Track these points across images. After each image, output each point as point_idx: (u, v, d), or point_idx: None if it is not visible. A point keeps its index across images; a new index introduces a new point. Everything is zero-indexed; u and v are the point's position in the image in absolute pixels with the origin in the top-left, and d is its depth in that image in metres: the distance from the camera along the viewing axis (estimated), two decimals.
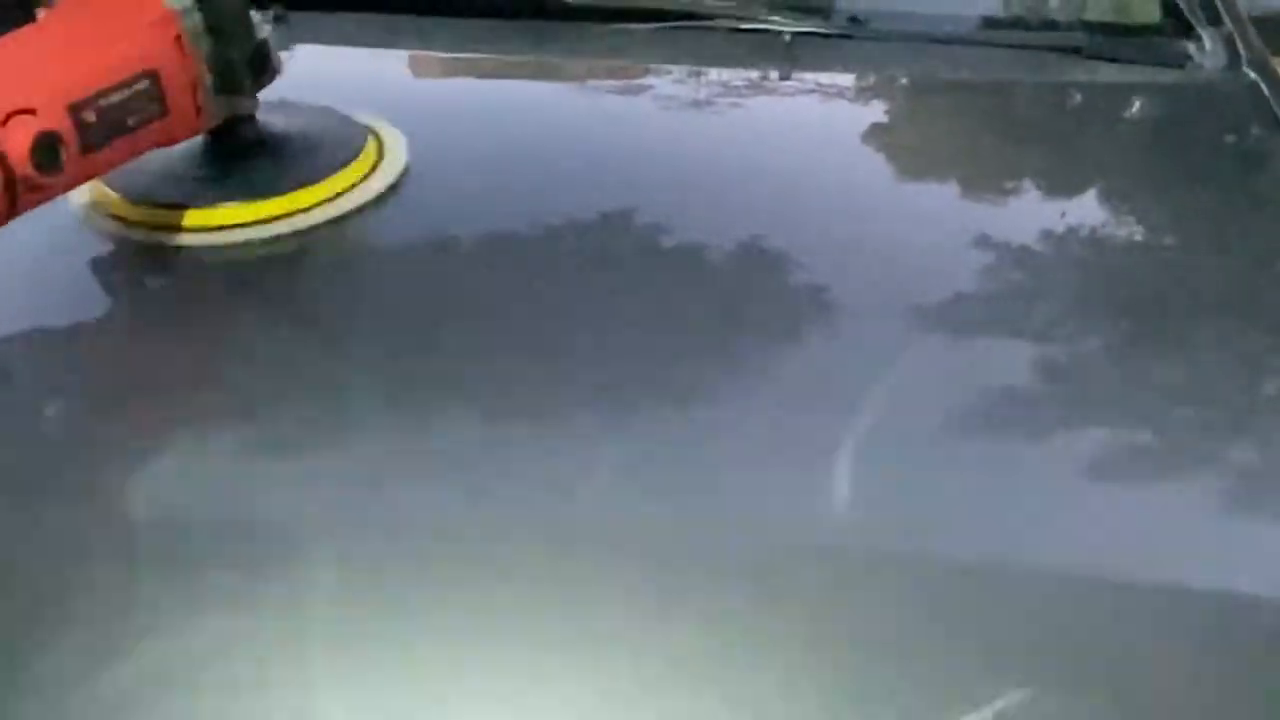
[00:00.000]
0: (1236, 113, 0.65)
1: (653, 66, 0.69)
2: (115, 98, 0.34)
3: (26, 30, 0.35)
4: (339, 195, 0.43)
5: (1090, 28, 0.77)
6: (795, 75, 0.66)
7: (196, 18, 0.36)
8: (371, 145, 0.46)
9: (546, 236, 0.46)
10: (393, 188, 0.44)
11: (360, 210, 0.43)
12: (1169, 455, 0.37)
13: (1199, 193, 0.57)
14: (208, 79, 0.38)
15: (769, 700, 0.24)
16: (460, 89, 0.69)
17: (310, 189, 0.42)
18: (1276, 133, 0.61)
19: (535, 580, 0.26)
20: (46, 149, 0.30)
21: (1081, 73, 0.69)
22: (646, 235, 0.47)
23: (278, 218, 0.41)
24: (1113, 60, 0.69)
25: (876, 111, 0.73)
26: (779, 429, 0.35)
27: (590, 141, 0.58)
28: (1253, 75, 0.66)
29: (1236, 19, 0.73)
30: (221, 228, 0.41)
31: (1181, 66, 0.68)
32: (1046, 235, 0.51)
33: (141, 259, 0.42)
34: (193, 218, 0.41)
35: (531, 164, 0.53)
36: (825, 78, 0.68)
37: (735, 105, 0.65)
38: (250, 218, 0.41)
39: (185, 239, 0.41)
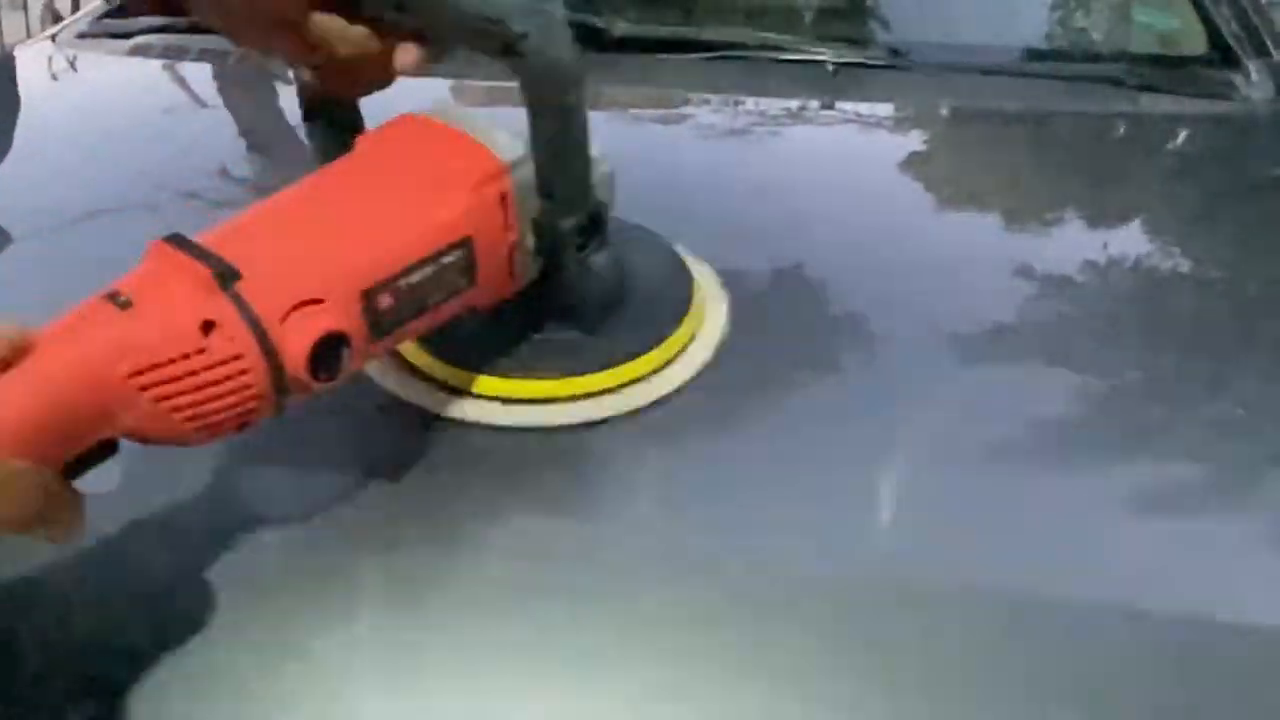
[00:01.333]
0: None
1: (702, 99, 0.68)
2: (417, 276, 0.27)
3: (320, 182, 0.29)
4: (667, 365, 0.34)
5: (1136, 59, 0.78)
6: (839, 105, 0.67)
7: (528, 171, 0.29)
8: (696, 291, 0.38)
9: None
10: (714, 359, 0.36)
11: (696, 380, 0.34)
12: (1212, 490, 0.36)
13: (1246, 225, 0.57)
14: (529, 240, 0.31)
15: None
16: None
17: (634, 363, 0.34)
18: None
19: None
20: (329, 353, 0.25)
21: (1127, 104, 0.69)
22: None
23: (593, 394, 0.33)
24: (1159, 91, 0.68)
25: (916, 143, 0.72)
26: (821, 452, 0.34)
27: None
28: None
29: None
30: (522, 401, 0.33)
31: (1228, 98, 0.68)
32: (1091, 266, 0.51)
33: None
34: (488, 385, 0.33)
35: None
36: (867, 109, 0.68)
37: (778, 136, 0.66)
38: (562, 393, 0.33)
39: (473, 411, 0.33)
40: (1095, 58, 0.81)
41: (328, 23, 0.29)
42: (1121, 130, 0.70)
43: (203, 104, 0.68)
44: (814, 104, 0.67)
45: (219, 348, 0.22)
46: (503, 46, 0.27)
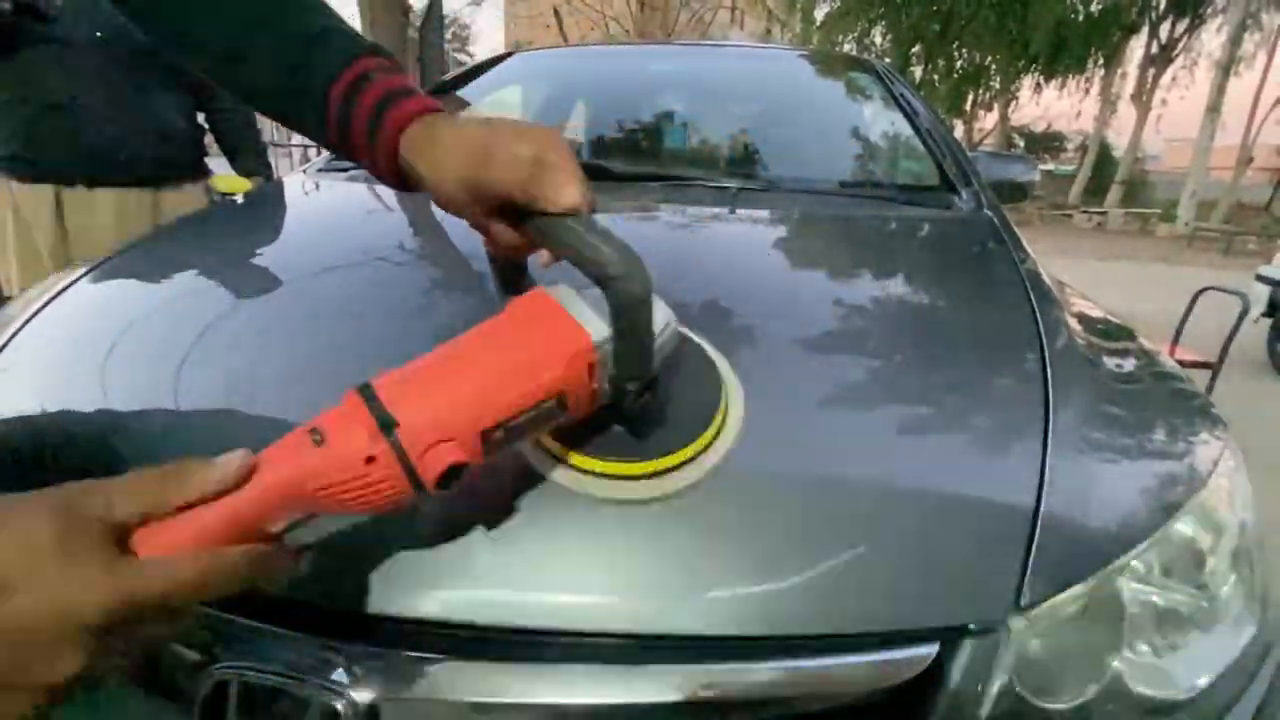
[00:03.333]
0: (979, 235, 0.87)
1: (665, 205, 0.89)
2: (524, 419, 0.34)
3: (466, 341, 0.35)
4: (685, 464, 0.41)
5: (901, 186, 1.11)
6: (738, 210, 0.89)
7: (609, 349, 0.35)
8: (721, 397, 0.44)
9: None
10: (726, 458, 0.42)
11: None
12: (933, 416, 0.50)
13: (958, 278, 0.76)
14: (606, 388, 0.37)
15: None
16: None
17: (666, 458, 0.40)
18: (1002, 246, 0.81)
19: None
20: (453, 475, 0.31)
21: (896, 210, 0.96)
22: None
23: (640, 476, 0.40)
24: (914, 204, 0.98)
25: (781, 230, 0.88)
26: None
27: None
28: (989, 214, 0.94)
29: (980, 183, 1.05)
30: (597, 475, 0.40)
31: (950, 208, 0.97)
32: (873, 300, 0.68)
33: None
34: (581, 461, 0.40)
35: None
36: (754, 212, 0.89)
37: (706, 226, 0.85)
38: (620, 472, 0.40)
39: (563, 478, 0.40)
40: (878, 185, 1.12)
41: (501, 230, 0.43)
42: (893, 225, 0.92)
43: (388, 208, 0.90)
44: (725, 210, 0.89)
45: (377, 474, 0.30)
46: (602, 278, 0.34)
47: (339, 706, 0.35)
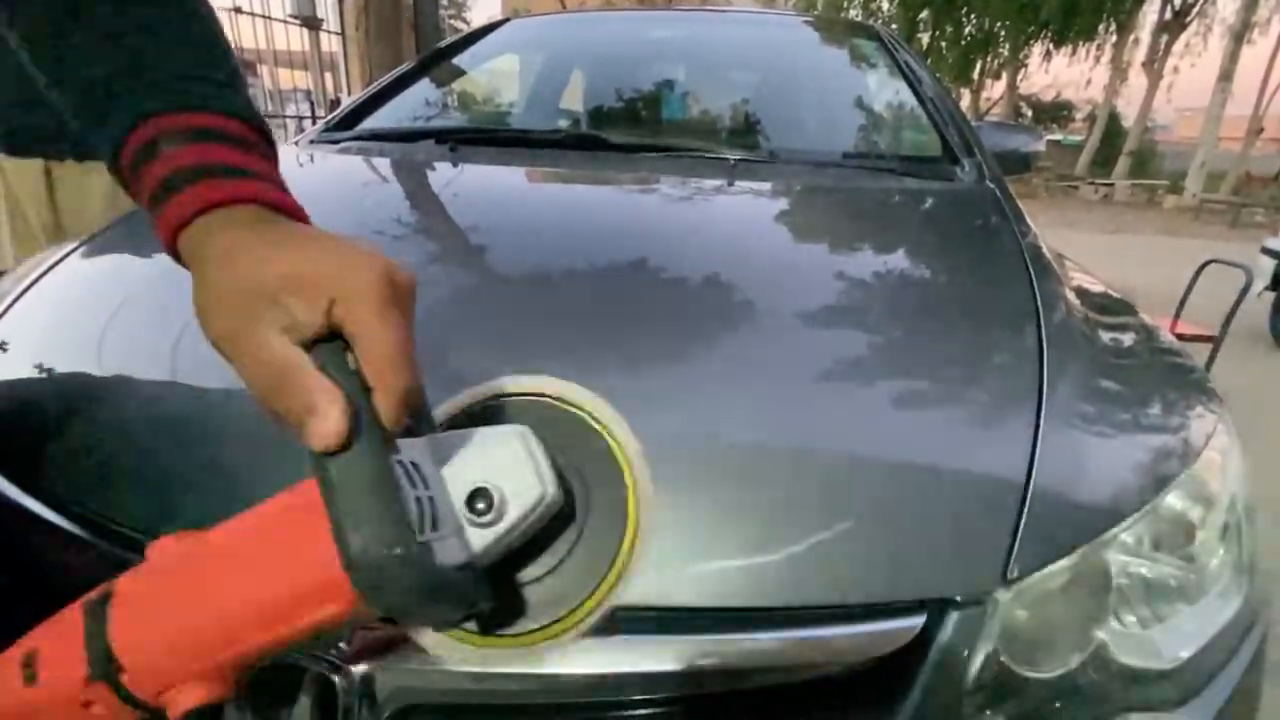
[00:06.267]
0: (981, 207, 0.87)
1: (663, 178, 0.89)
2: (284, 650, 0.27)
3: (210, 564, 0.28)
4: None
5: (904, 158, 1.10)
6: (737, 182, 0.89)
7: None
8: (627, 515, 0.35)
9: None
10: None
11: None
12: (927, 390, 0.50)
13: (957, 252, 0.77)
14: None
15: None
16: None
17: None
18: (1004, 219, 0.81)
19: None
20: (203, 715, 0.26)
21: (899, 182, 0.95)
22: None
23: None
24: (916, 176, 0.97)
25: (779, 203, 0.89)
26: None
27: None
28: (991, 186, 0.94)
29: (984, 153, 1.04)
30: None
31: (952, 179, 0.97)
32: (869, 273, 0.69)
33: None
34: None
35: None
36: (753, 184, 0.90)
37: (704, 199, 0.85)
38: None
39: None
40: (882, 156, 1.11)
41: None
42: (896, 197, 0.92)
43: (384, 179, 0.92)
44: (723, 182, 0.88)
45: (102, 716, 0.26)
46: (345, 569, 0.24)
47: (335, 679, 0.35)
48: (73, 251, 0.73)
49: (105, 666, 0.25)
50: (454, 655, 0.33)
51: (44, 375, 0.53)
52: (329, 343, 0.27)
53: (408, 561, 0.24)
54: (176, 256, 0.32)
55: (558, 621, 0.32)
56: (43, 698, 0.25)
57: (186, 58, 0.34)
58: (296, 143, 1.15)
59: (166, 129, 0.31)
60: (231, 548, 0.28)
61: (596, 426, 0.35)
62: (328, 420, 0.25)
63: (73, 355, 0.55)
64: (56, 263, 0.70)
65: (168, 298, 0.61)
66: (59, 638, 0.26)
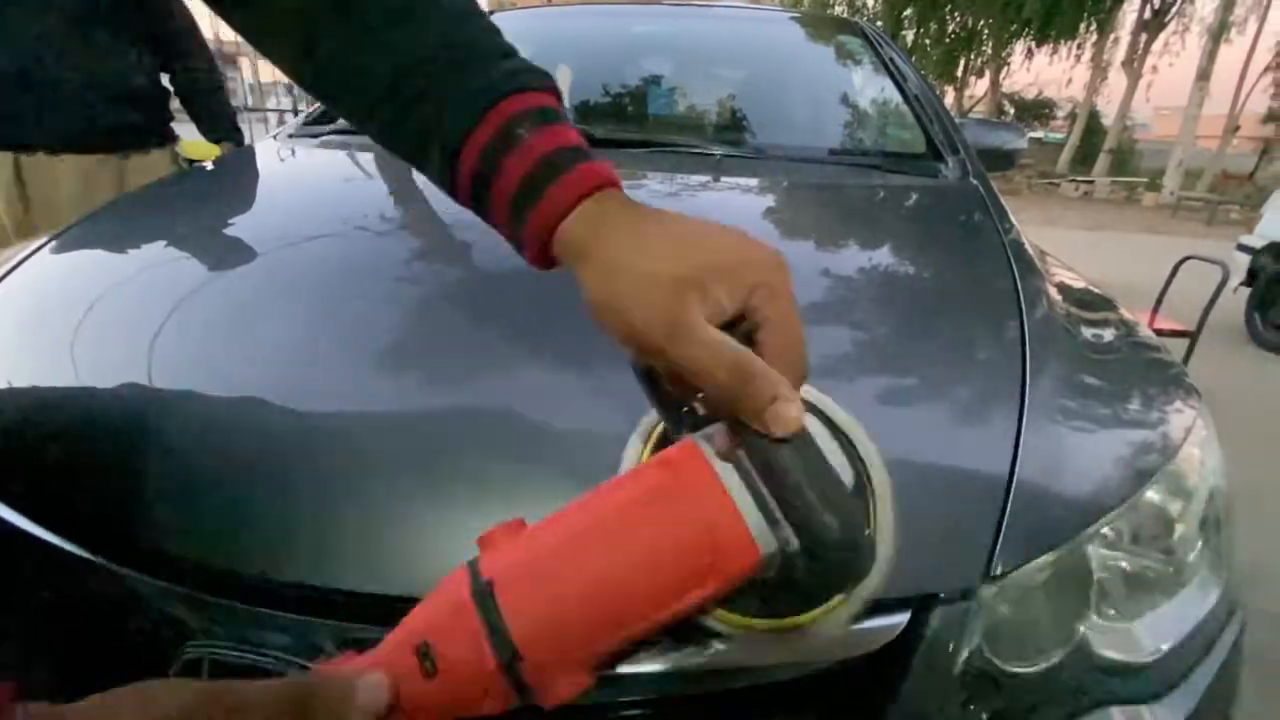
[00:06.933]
0: (965, 203, 0.88)
1: (649, 173, 0.88)
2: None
3: (588, 549, 0.27)
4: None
5: (888, 154, 1.11)
6: (722, 178, 0.89)
7: (771, 565, 0.27)
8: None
9: None
10: None
11: None
12: (909, 387, 0.50)
13: (941, 248, 0.77)
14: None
15: None
16: None
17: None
18: (987, 215, 0.82)
19: None
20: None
21: (883, 179, 0.96)
22: None
23: None
24: (900, 172, 0.98)
25: (764, 199, 0.88)
26: None
27: None
28: (975, 182, 0.95)
29: (967, 151, 1.05)
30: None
31: (936, 176, 0.98)
32: (853, 269, 0.68)
33: None
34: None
35: None
36: (738, 180, 0.89)
37: (690, 194, 0.85)
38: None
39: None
40: (866, 153, 1.11)
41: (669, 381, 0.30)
42: (881, 194, 0.92)
43: (367, 174, 0.90)
44: (709, 177, 0.89)
45: (492, 705, 0.26)
46: (810, 544, 0.25)
47: None
48: (41, 247, 0.71)
49: (510, 656, 0.25)
50: (741, 635, 0.31)
51: (7, 377, 0.51)
52: (733, 328, 0.27)
53: (868, 539, 0.26)
54: (544, 254, 0.31)
55: (831, 604, 0.31)
56: (445, 689, 0.25)
57: (491, 32, 0.33)
58: (275, 136, 1.13)
59: (516, 114, 0.31)
60: (612, 532, 0.27)
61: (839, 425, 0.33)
62: (792, 406, 0.26)
63: (38, 357, 0.53)
64: (24, 259, 0.68)
65: (139, 297, 0.60)
66: (450, 629, 0.26)
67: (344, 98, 0.34)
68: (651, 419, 0.35)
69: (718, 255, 0.27)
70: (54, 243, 0.72)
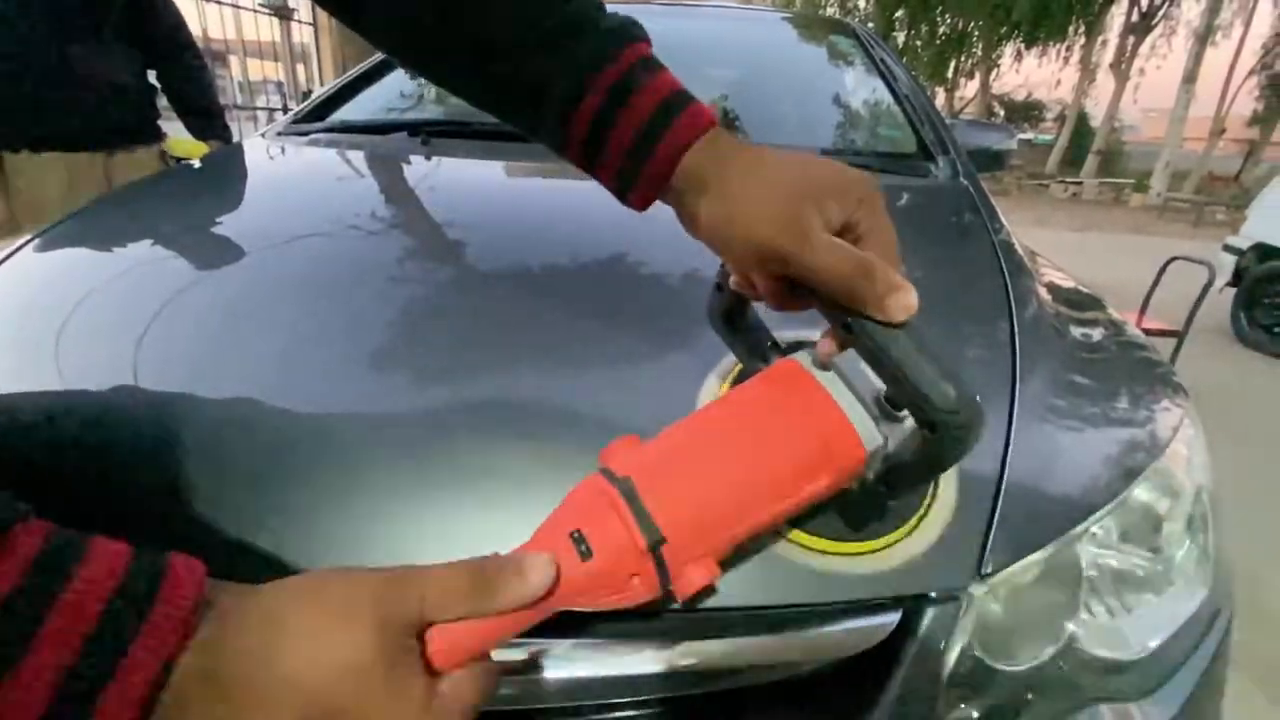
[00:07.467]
0: (955, 203, 0.88)
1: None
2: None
3: (715, 445, 0.32)
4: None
5: (880, 154, 1.10)
6: None
7: (878, 448, 0.32)
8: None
9: None
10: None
11: None
12: None
13: (932, 248, 0.75)
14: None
15: None
16: None
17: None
18: (977, 216, 0.82)
19: None
20: (704, 594, 0.32)
21: (873, 178, 0.99)
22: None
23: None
24: (893, 172, 0.98)
25: None
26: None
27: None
28: (965, 183, 0.95)
29: (958, 151, 1.05)
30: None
31: (926, 176, 0.98)
32: None
33: None
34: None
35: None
36: None
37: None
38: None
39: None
40: (858, 153, 1.11)
41: (771, 288, 0.33)
42: None
43: (357, 173, 0.90)
44: None
45: (635, 589, 0.29)
46: (929, 419, 0.29)
47: None
48: (24, 245, 0.70)
49: (656, 539, 0.28)
50: (815, 554, 0.35)
51: None
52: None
53: (976, 439, 0.29)
54: (655, 189, 0.35)
55: (895, 534, 0.35)
56: (599, 571, 0.28)
57: None
58: (263, 134, 1.12)
59: (634, 64, 0.35)
60: (734, 433, 0.31)
61: None
62: (910, 294, 0.29)
63: (21, 357, 0.52)
64: (6, 258, 0.67)
65: (124, 297, 0.59)
66: (600, 518, 0.28)
67: (457, 54, 0.37)
68: (729, 361, 0.40)
69: (826, 177, 0.32)
70: (38, 241, 0.71)
